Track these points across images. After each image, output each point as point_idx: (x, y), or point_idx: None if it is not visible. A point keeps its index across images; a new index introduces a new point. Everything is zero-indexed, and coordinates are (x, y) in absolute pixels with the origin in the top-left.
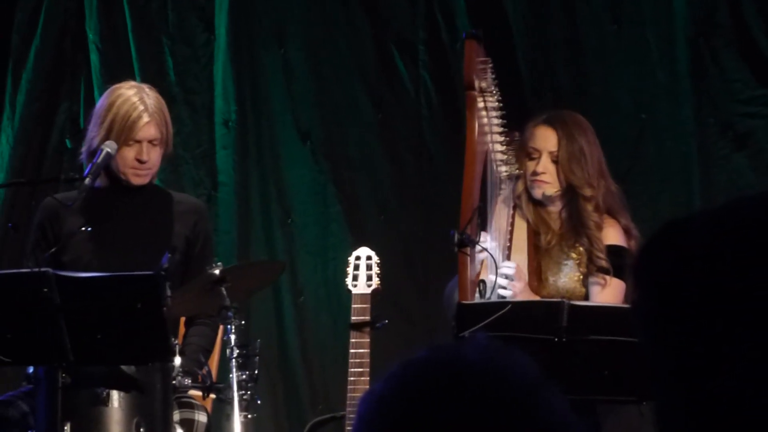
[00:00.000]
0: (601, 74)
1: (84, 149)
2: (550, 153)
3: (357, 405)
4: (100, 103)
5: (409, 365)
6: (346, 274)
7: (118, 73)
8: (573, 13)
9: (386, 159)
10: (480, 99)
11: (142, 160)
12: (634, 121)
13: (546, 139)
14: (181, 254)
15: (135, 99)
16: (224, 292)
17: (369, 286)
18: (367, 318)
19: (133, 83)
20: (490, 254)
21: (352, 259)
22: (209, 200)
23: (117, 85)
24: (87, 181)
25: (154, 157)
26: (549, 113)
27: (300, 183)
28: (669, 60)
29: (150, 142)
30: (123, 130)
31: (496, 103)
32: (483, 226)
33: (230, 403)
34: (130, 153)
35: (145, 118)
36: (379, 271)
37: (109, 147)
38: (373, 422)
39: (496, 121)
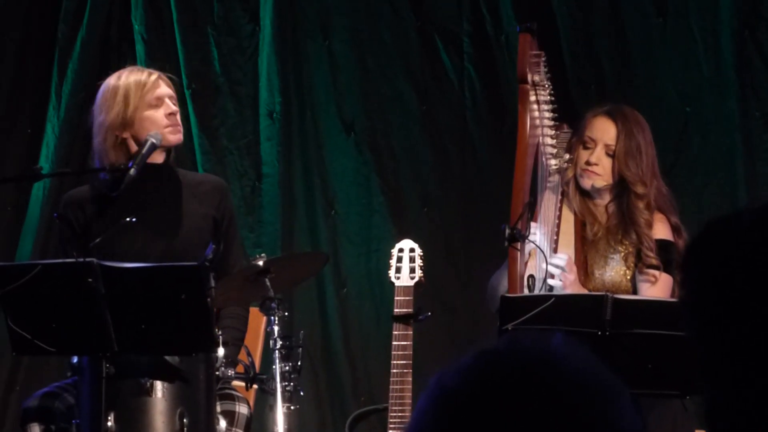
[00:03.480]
0: (645, 67)
1: (99, 140)
2: (606, 146)
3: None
4: (100, 94)
5: (482, 356)
6: (389, 266)
7: (162, 64)
8: (618, 5)
9: (430, 151)
10: (532, 92)
11: (173, 112)
12: (679, 114)
13: (605, 130)
14: (209, 234)
15: (134, 71)
16: (268, 283)
17: (412, 278)
18: (410, 310)
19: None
20: (540, 249)
21: (395, 252)
22: (253, 191)
23: (109, 76)
24: (132, 171)
25: (178, 113)
26: (610, 106)
27: (344, 174)
28: (714, 52)
29: (170, 98)
30: (139, 91)
31: (548, 97)
32: (531, 219)
33: (273, 394)
34: (158, 112)
35: (153, 77)
36: (422, 264)
37: (153, 137)
38: (437, 415)
39: (547, 114)
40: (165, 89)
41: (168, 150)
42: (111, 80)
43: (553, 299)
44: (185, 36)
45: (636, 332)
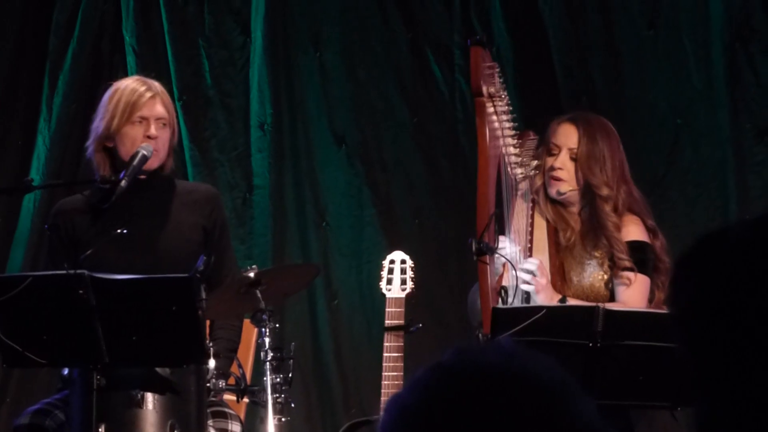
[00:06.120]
0: (637, 79)
1: (90, 142)
2: (570, 150)
3: (383, 412)
4: (104, 97)
5: (434, 372)
6: (380, 278)
7: (154, 76)
8: (609, 18)
9: (421, 162)
10: (489, 104)
11: (151, 136)
12: (670, 127)
13: (567, 135)
14: (198, 245)
15: (137, 82)
16: (259, 295)
17: (403, 290)
18: (402, 322)
19: (134, 77)
20: (509, 261)
21: (386, 263)
22: (244, 203)
23: (117, 81)
24: (123, 183)
25: (163, 137)
26: (575, 113)
27: (335, 186)
28: (705, 65)
29: (157, 120)
30: (128, 106)
31: (506, 107)
32: (501, 231)
33: (264, 406)
34: (138, 131)
35: (149, 94)
36: (413, 275)
37: (144, 149)
38: (397, 430)
39: (507, 124)
40: (156, 110)
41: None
42: (117, 84)
43: (544, 311)
44: (176, 48)
45: (627, 344)
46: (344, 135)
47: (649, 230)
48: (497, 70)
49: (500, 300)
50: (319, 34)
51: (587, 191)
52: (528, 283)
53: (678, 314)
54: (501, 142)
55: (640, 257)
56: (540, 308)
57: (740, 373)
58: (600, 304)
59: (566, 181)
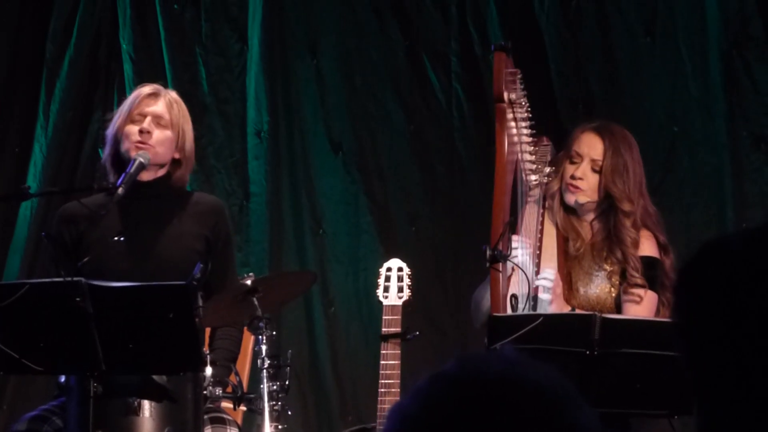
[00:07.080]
0: (633, 86)
1: (105, 149)
2: (593, 161)
3: (384, 420)
4: None
5: (436, 381)
6: (377, 286)
7: (151, 83)
8: (606, 25)
9: (418, 170)
10: (509, 111)
11: (142, 129)
12: (667, 134)
13: (592, 146)
14: (200, 255)
15: (146, 85)
16: (256, 303)
17: (400, 297)
18: (398, 329)
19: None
20: (522, 270)
21: (383, 271)
22: (241, 210)
23: None
24: (120, 190)
25: (159, 135)
26: (600, 122)
27: (331, 193)
28: (702, 72)
29: (155, 118)
30: (129, 105)
31: (526, 114)
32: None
33: (261, 413)
34: (134, 128)
35: (150, 92)
36: (410, 283)
37: (141, 157)
38: None
39: (525, 131)
40: (155, 107)
41: (166, 167)
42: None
43: (541, 318)
44: (173, 55)
45: (624, 352)
46: (341, 142)
47: (661, 246)
48: (519, 76)
49: (510, 308)
50: (316, 41)
51: (606, 203)
52: (545, 291)
53: (680, 322)
54: (518, 148)
55: (651, 273)
56: (537, 316)
57: (743, 379)
58: (597, 312)
59: (585, 191)
